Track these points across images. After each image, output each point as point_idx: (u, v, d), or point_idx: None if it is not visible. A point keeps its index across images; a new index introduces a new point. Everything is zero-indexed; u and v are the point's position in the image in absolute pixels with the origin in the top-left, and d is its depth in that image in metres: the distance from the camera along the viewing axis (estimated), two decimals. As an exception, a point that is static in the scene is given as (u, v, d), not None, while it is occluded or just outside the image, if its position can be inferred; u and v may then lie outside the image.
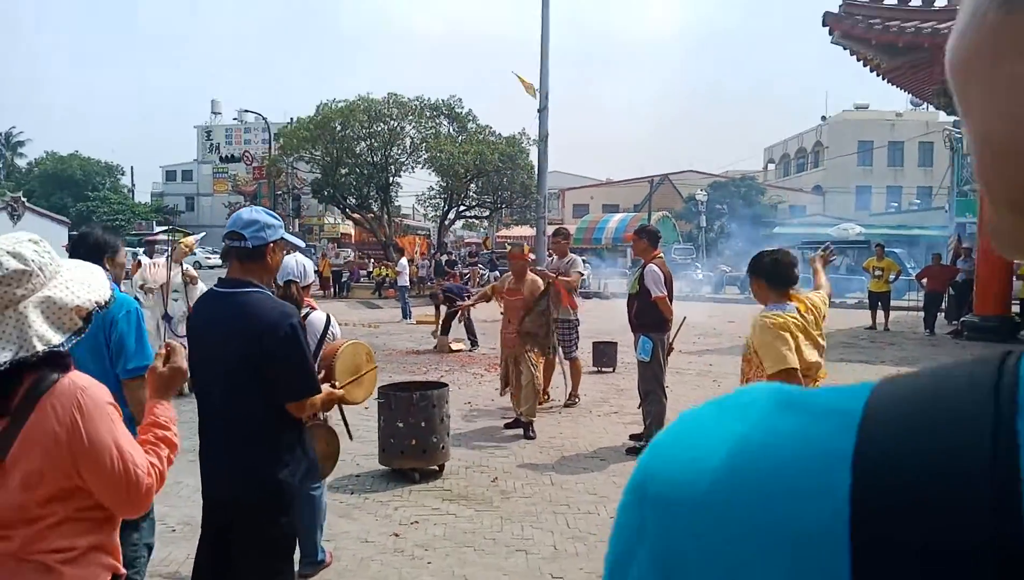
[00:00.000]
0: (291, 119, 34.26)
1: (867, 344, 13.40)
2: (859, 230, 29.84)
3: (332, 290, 26.09)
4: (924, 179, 45.95)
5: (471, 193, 30.41)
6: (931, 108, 41.83)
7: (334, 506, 5.02)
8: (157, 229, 45.78)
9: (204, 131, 65.54)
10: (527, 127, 30.69)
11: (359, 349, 3.63)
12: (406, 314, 17.72)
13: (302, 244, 4.21)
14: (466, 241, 43.13)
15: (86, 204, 52.91)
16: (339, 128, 29.21)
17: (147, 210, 58.88)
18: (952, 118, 21.84)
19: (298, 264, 4.17)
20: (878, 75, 15.62)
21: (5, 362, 1.57)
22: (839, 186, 46.61)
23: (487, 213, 32.49)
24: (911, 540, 0.36)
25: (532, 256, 8.62)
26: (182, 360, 2.00)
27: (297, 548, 3.02)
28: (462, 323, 12.56)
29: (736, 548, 0.40)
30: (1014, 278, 13.81)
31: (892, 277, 15.32)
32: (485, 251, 32.09)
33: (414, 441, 5.55)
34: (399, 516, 4.95)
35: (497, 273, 29.10)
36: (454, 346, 12.35)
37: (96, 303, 1.74)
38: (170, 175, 68.29)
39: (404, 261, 19.73)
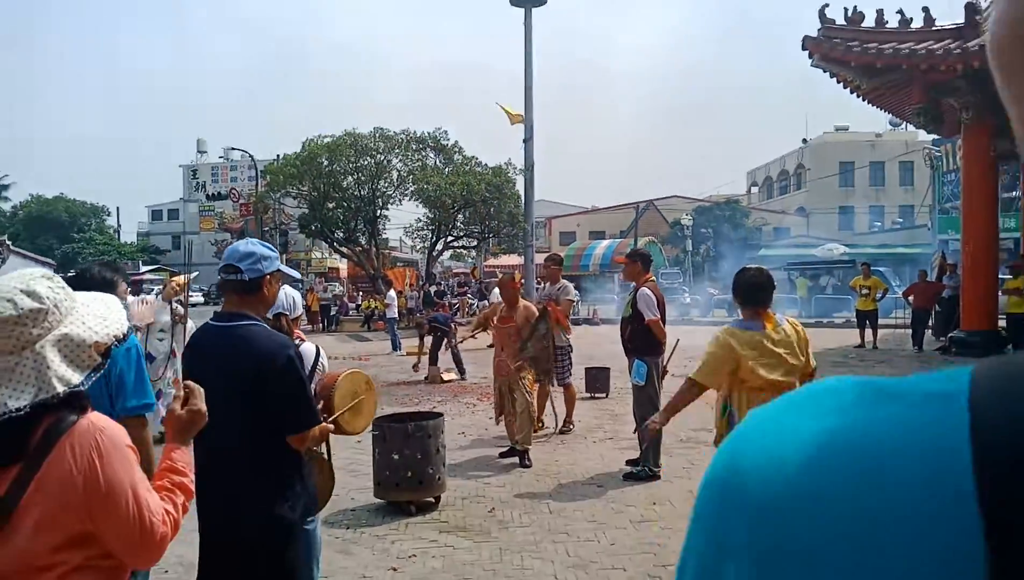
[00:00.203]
0: (277, 156, 34.30)
1: (857, 362, 13.44)
2: (843, 250, 30.07)
3: (321, 324, 25.98)
4: (905, 198, 46.52)
5: (458, 223, 30.47)
6: (910, 128, 42.51)
7: (330, 541, 4.94)
8: (144, 269, 45.65)
9: (190, 170, 65.62)
10: (513, 157, 30.95)
11: (357, 378, 3.60)
12: (396, 346, 17.66)
13: (298, 275, 4.20)
14: (454, 271, 43.16)
15: (72, 245, 52.74)
16: (326, 163, 29.29)
17: (133, 250, 58.72)
18: (931, 137, 22.17)
19: (287, 296, 4.15)
20: (858, 96, 15.87)
21: (25, 406, 1.52)
22: (822, 207, 47.08)
23: (475, 243, 32.54)
24: None
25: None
26: (201, 402, 1.93)
27: None
28: (449, 353, 12.52)
29: (850, 546, 0.39)
30: (999, 293, 13.91)
31: (879, 295, 15.43)
32: (474, 281, 32.10)
33: (410, 473, 5.49)
34: (396, 550, 4.87)
35: (486, 302, 29.13)
36: (445, 376, 12.29)
37: (114, 337, 1.70)
38: (156, 214, 68.23)
39: (392, 293, 19.69)
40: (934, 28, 13.85)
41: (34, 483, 1.54)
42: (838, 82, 15.51)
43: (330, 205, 29.99)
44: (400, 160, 30.23)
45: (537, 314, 7.19)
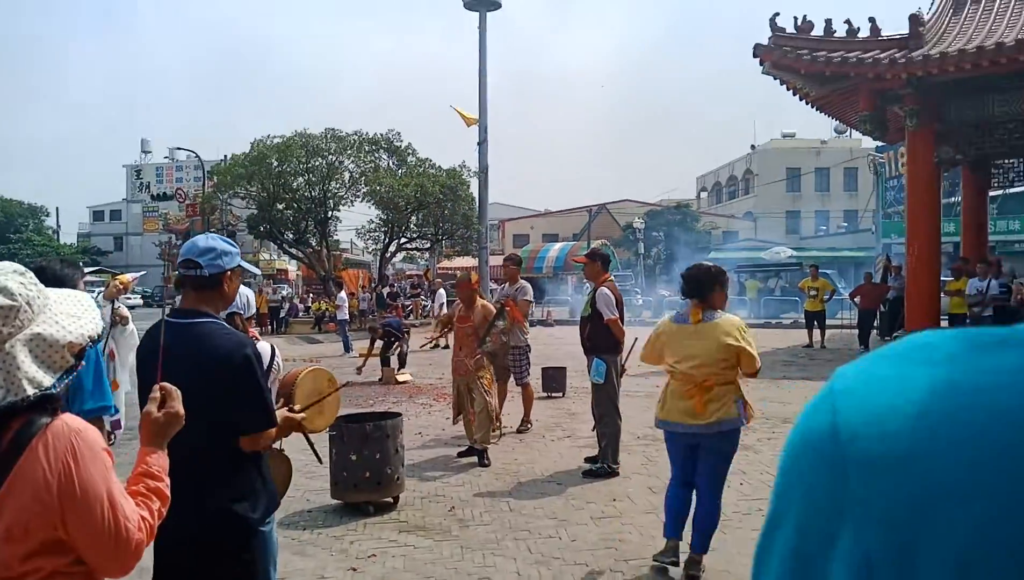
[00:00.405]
0: (225, 156, 33.65)
1: (807, 362, 13.73)
2: (791, 253, 30.75)
3: (270, 326, 25.54)
4: (849, 203, 47.84)
5: (412, 225, 30.26)
6: (854, 135, 43.64)
7: (285, 543, 4.82)
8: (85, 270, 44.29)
9: (134, 170, 64.03)
10: (467, 159, 30.84)
11: (320, 375, 3.50)
12: (347, 347, 17.44)
13: (258, 271, 4.11)
14: (407, 273, 42.89)
15: (8, 246, 50.89)
16: (276, 164, 28.81)
17: (73, 251, 56.92)
18: (875, 144, 22.80)
19: (241, 296, 4.07)
20: (807, 103, 16.24)
21: None
22: (769, 211, 48.12)
23: (428, 245, 32.37)
24: None
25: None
26: (179, 404, 1.85)
27: None
28: (395, 355, 12.40)
29: (976, 492, 0.37)
30: (941, 294, 14.36)
31: (827, 296, 15.81)
32: (427, 283, 31.94)
33: (368, 473, 5.40)
34: (355, 550, 4.78)
35: (442, 304, 28.99)
36: (400, 377, 12.16)
37: (89, 338, 1.60)
38: (98, 215, 66.34)
39: (343, 295, 19.47)
40: (880, 38, 14.25)
41: (4, 488, 1.45)
42: (788, 89, 15.85)
43: (280, 206, 29.51)
44: (352, 161, 29.90)
45: (495, 312, 7.17)
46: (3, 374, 1.44)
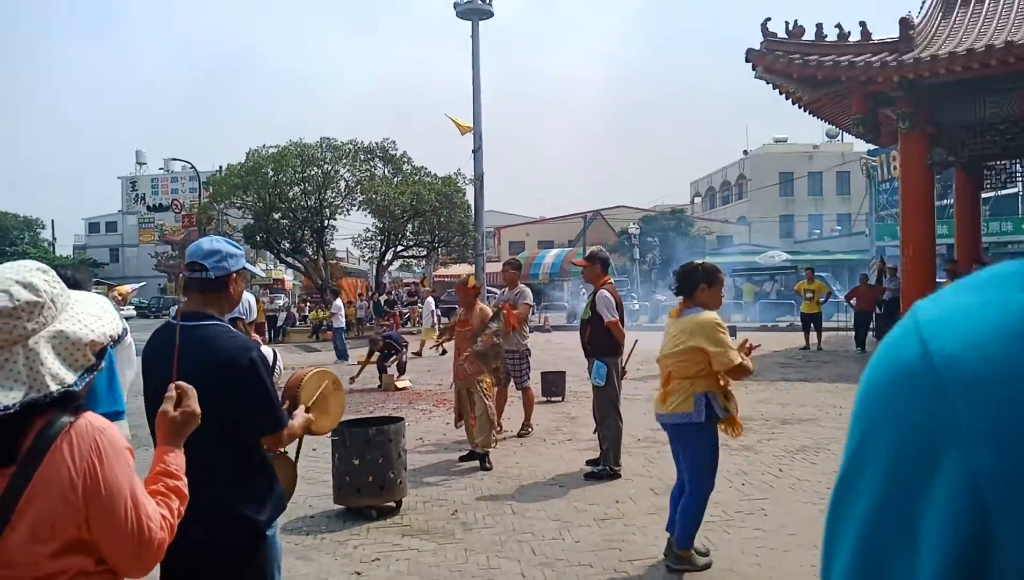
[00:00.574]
0: (220, 167, 33.61)
1: (803, 363, 13.77)
2: (785, 257, 30.84)
3: (268, 335, 25.50)
4: (842, 206, 48.02)
5: (408, 233, 30.33)
6: (846, 140, 43.81)
7: (289, 548, 4.83)
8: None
9: (129, 181, 63.95)
10: (462, 167, 30.94)
11: (324, 377, 3.52)
12: (343, 355, 17.44)
13: (262, 273, 4.14)
14: (404, 282, 42.87)
15: (3, 259, 50.60)
16: (271, 173, 28.87)
17: (69, 263, 56.75)
18: (867, 148, 22.92)
19: (243, 301, 4.08)
20: (800, 107, 16.33)
21: (15, 404, 1.42)
22: (763, 216, 48.27)
23: (425, 252, 32.41)
24: None
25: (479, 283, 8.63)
26: (195, 403, 1.85)
27: None
28: (394, 364, 12.40)
29: None
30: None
31: (823, 298, 15.87)
32: (424, 291, 31.94)
33: (371, 478, 5.41)
34: (359, 555, 4.79)
35: (439, 312, 28.98)
36: (399, 384, 12.17)
37: (110, 337, 1.61)
38: (93, 227, 66.21)
39: (339, 302, 19.47)
40: (871, 42, 14.35)
41: (30, 487, 1.45)
42: (780, 93, 15.93)
43: (276, 215, 29.55)
44: (348, 170, 29.99)
45: (491, 315, 7.20)
46: (27, 370, 1.45)
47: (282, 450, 3.79)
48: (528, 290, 8.41)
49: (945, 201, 21.87)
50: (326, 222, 30.42)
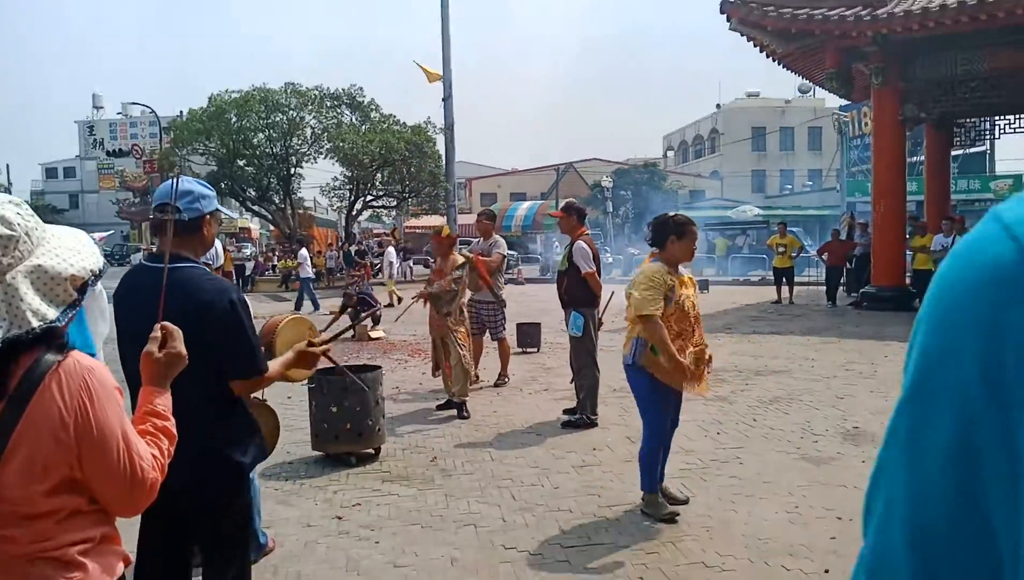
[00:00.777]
0: (180, 112, 32.67)
1: (775, 317, 13.97)
2: (757, 212, 31.06)
3: (237, 284, 25.22)
4: (814, 162, 48.38)
5: (377, 183, 29.91)
6: (818, 95, 43.89)
7: (269, 493, 4.83)
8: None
9: (86, 126, 61.98)
10: (432, 116, 30.44)
11: (301, 324, 3.45)
12: (303, 303, 17.37)
13: (235, 215, 4.01)
14: (374, 232, 42.45)
15: (-44, 205, 49.14)
16: (235, 119, 28.17)
17: (27, 209, 55.22)
18: (840, 103, 22.98)
19: (210, 246, 3.97)
20: (774, 61, 16.26)
21: None
22: (735, 171, 48.45)
23: (395, 203, 32.03)
24: None
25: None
26: (180, 344, 1.80)
27: None
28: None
29: None
30: (907, 252, 14.67)
31: (795, 253, 16.05)
32: (394, 242, 31.69)
33: (348, 425, 5.39)
34: (340, 499, 4.79)
35: (409, 263, 28.80)
36: (373, 334, 12.12)
37: (91, 271, 1.54)
38: (51, 172, 64.32)
39: (304, 252, 19.27)
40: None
41: (20, 426, 1.41)
42: (755, 46, 15.84)
43: (240, 162, 28.95)
44: (314, 117, 29.38)
45: (459, 263, 7.09)
46: (6, 306, 1.40)
47: (263, 398, 3.75)
48: (502, 240, 8.35)
49: (914, 158, 22.10)
50: (292, 170, 29.89)
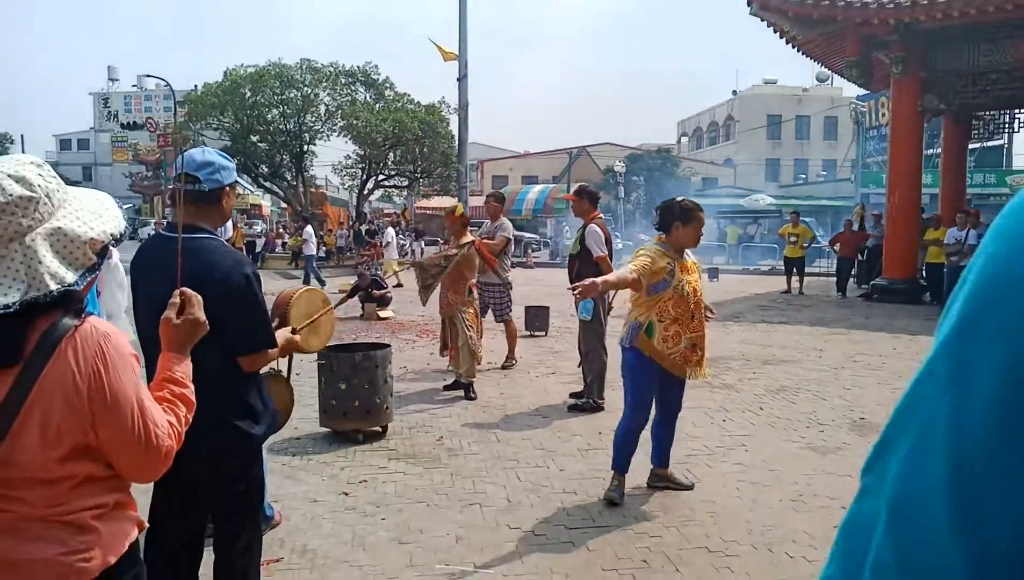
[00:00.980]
0: (195, 85, 32.60)
1: (784, 306, 13.92)
2: (770, 201, 30.85)
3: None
4: (828, 152, 47.95)
5: (390, 162, 29.84)
6: (836, 83, 43.43)
7: (276, 468, 4.86)
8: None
9: (101, 98, 62.08)
10: (447, 96, 30.32)
11: (314, 296, 3.47)
12: (314, 280, 17.38)
13: (253, 188, 4.01)
14: (384, 212, 42.42)
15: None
16: (249, 94, 28.11)
17: (40, 180, 55.44)
18: (858, 92, 22.74)
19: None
20: (794, 47, 16.10)
21: (14, 303, 1.37)
22: (749, 158, 48.07)
23: (407, 182, 31.97)
24: None
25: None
26: (200, 311, 1.80)
27: None
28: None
29: None
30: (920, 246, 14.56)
31: (806, 243, 15.96)
32: (405, 223, 31.70)
33: (357, 402, 5.42)
34: (346, 476, 4.82)
35: (420, 243, 28.80)
36: (381, 314, 12.15)
37: (111, 235, 1.54)
38: (65, 144, 64.59)
39: (309, 229, 19.29)
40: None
41: (35, 389, 1.42)
42: (775, 32, 15.69)
43: (254, 138, 28.90)
44: (328, 94, 29.27)
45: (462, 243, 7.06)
46: (24, 267, 1.40)
47: (278, 370, 3.76)
48: (508, 223, 8.32)
49: (930, 151, 21.89)
50: (305, 147, 29.84)
